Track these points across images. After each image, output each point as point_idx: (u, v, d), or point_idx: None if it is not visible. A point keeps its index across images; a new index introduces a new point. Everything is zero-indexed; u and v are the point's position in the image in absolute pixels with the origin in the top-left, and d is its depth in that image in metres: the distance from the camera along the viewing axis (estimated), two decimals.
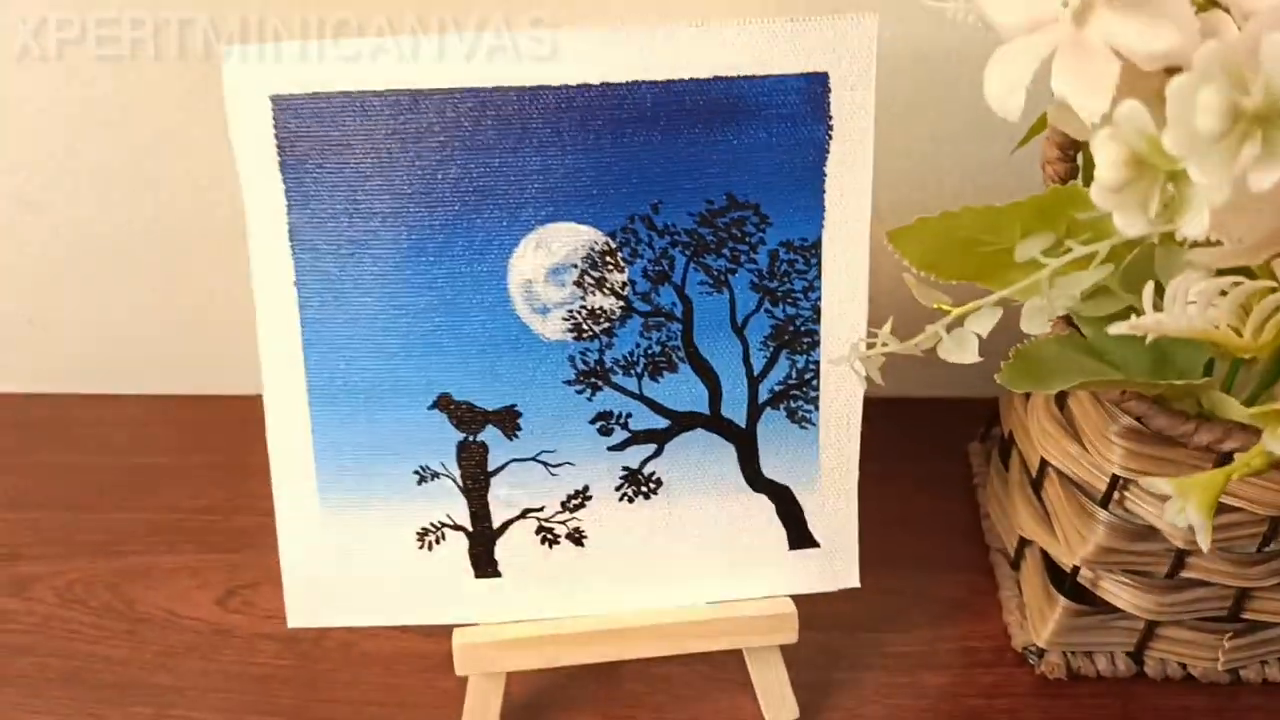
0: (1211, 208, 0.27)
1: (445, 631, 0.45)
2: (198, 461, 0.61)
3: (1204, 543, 0.32)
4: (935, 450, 0.60)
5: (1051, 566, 0.50)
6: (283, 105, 0.40)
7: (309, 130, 0.40)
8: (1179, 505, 0.32)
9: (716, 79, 0.40)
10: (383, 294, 0.42)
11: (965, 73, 0.52)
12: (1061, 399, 0.47)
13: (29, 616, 0.54)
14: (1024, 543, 0.52)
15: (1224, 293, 0.29)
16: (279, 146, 0.41)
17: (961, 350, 0.36)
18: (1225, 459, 0.42)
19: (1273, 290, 0.29)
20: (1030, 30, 0.32)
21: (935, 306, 0.38)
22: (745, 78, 0.40)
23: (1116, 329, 0.31)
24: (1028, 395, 0.51)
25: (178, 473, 0.60)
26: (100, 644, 0.52)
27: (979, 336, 0.36)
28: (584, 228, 0.41)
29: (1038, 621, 0.50)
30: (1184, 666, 0.50)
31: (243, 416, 0.63)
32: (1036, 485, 0.50)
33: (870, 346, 0.38)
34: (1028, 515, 0.50)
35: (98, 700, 0.50)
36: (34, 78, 0.54)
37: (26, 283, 0.62)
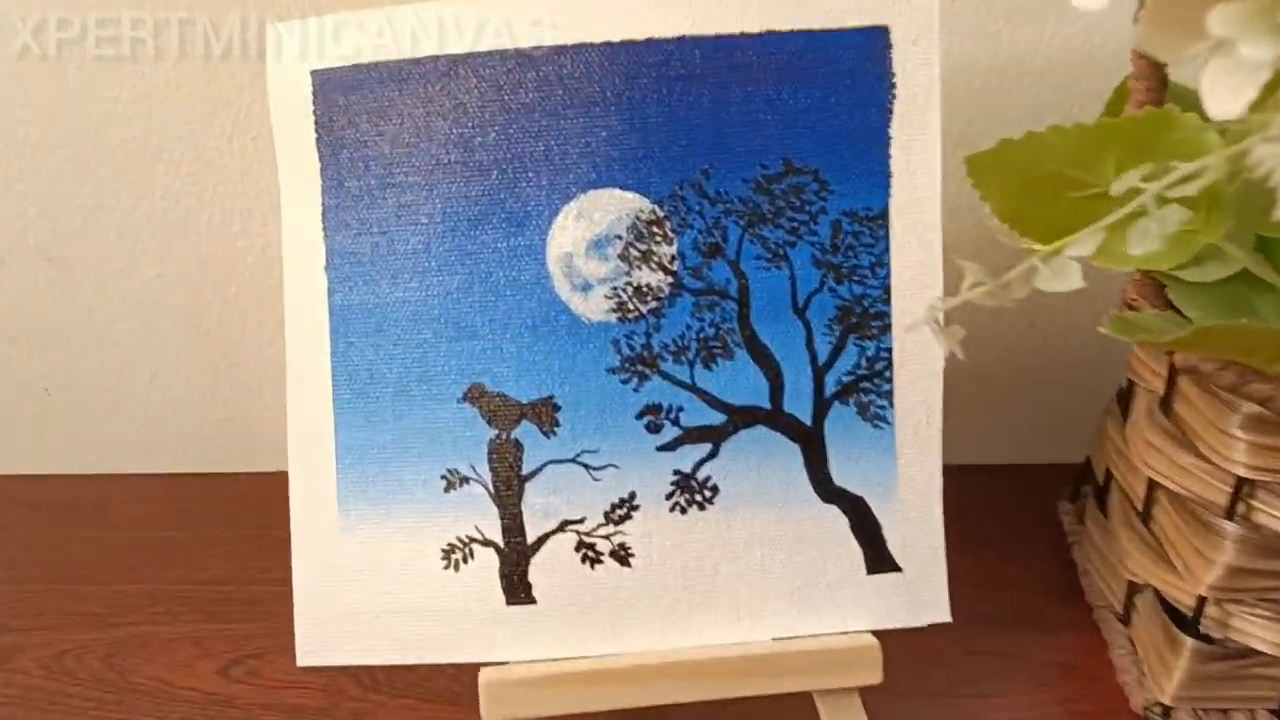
0: None
1: (473, 699, 0.39)
2: (212, 535, 0.56)
3: None
4: (1023, 514, 0.55)
5: (1171, 611, 0.43)
6: (322, 79, 0.38)
7: (347, 103, 0.38)
8: None
9: (769, 33, 0.37)
10: (414, 274, 0.39)
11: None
12: (1167, 406, 0.42)
13: (7, 688, 0.48)
14: (1134, 590, 0.45)
15: None
16: (317, 123, 0.39)
17: (1063, 279, 0.32)
18: None
19: None
20: None
21: (1023, 248, 0.34)
22: (800, 32, 0.37)
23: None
24: (1124, 418, 0.46)
25: (188, 546, 0.56)
26: (84, 715, 0.46)
27: (1079, 262, 0.32)
28: (629, 195, 0.38)
29: (1159, 674, 0.43)
30: None
31: (265, 493, 0.59)
32: (1145, 517, 0.44)
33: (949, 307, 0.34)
34: (1138, 555, 0.44)
35: None
36: (56, 114, 0.53)
37: (46, 347, 0.59)
